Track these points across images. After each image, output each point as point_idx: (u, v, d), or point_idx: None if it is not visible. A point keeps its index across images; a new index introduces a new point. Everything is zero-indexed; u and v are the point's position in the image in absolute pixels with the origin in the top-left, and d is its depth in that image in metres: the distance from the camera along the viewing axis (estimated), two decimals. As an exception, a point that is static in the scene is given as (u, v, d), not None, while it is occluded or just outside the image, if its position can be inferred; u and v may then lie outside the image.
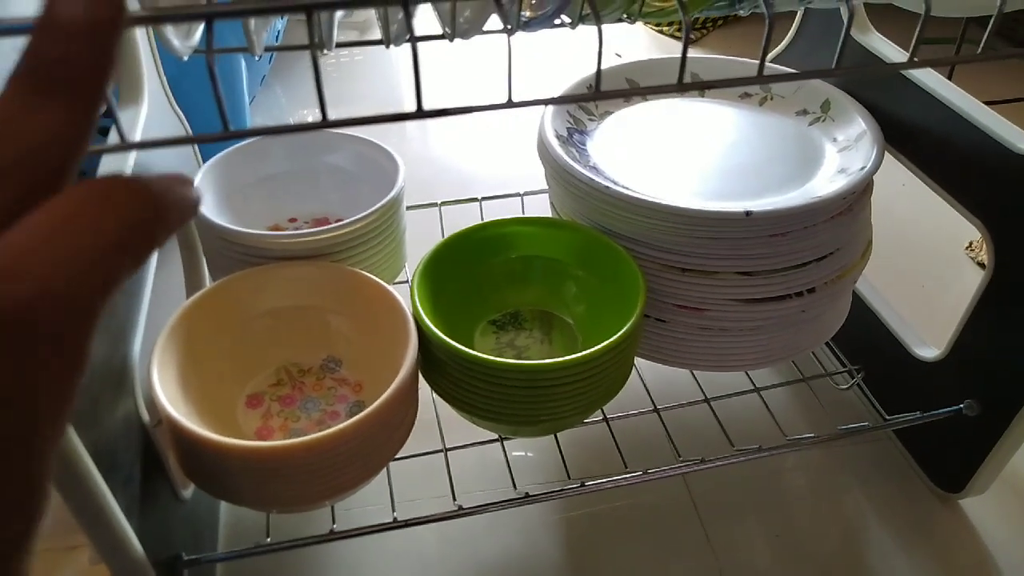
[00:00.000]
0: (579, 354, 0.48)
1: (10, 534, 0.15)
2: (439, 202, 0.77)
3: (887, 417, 0.60)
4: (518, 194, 0.78)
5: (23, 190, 0.16)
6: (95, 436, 0.36)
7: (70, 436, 0.33)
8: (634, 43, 1.47)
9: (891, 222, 0.73)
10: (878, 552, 0.59)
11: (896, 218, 0.93)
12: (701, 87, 0.32)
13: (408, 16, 0.27)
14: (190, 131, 0.67)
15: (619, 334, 0.49)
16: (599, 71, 0.31)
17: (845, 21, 0.35)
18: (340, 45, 0.37)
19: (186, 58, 0.38)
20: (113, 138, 0.49)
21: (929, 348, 0.62)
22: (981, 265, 0.85)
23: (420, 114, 0.28)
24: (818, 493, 0.64)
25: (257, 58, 1.07)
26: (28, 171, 0.16)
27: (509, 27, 0.41)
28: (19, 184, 0.16)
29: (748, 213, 0.51)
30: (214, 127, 0.29)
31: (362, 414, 0.44)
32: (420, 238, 0.64)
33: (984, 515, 0.62)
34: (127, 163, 0.47)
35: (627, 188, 0.55)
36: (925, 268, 0.87)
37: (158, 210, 0.17)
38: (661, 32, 1.50)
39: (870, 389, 0.68)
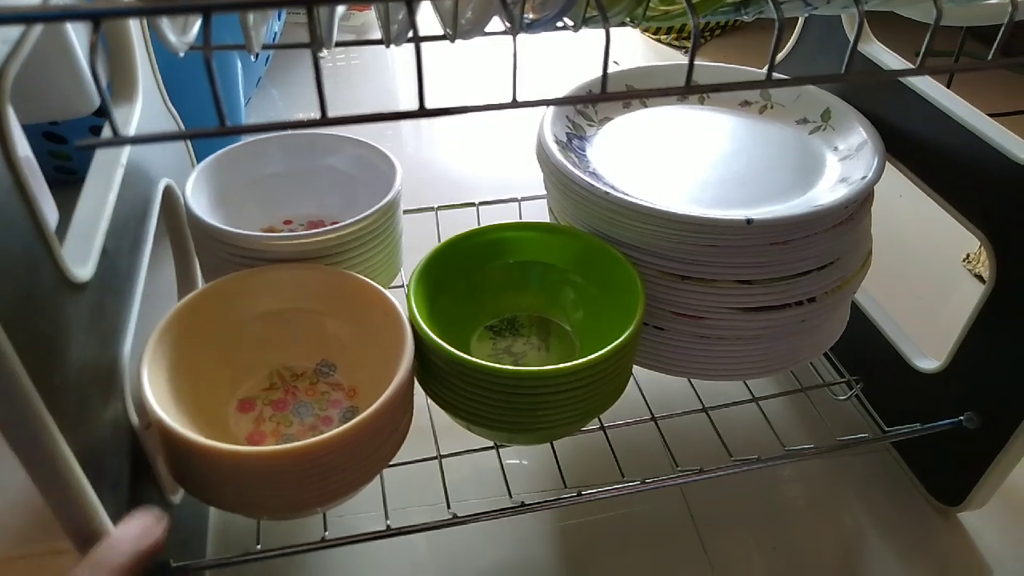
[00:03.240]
0: (577, 361, 0.47)
1: None
2: (436, 206, 0.76)
3: (886, 429, 0.60)
4: (515, 199, 0.77)
5: None
6: (82, 439, 0.35)
7: (56, 439, 0.32)
8: (630, 50, 1.47)
9: (889, 233, 0.73)
10: (876, 565, 0.59)
11: (894, 229, 0.93)
12: (711, 89, 0.31)
13: (411, 14, 0.27)
14: (183, 126, 0.66)
15: (618, 342, 0.48)
16: (605, 73, 0.30)
17: (855, 27, 0.34)
18: (339, 44, 0.37)
19: (182, 54, 0.38)
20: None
21: (928, 360, 0.62)
22: (979, 277, 0.85)
23: (422, 112, 0.27)
24: (815, 505, 0.63)
25: (254, 58, 1.06)
26: None
27: (512, 29, 0.41)
28: None
29: (749, 221, 0.51)
30: (208, 127, 0.28)
31: (356, 420, 0.43)
32: (416, 243, 0.63)
33: (983, 528, 0.61)
34: (120, 159, 0.46)
35: (627, 194, 0.54)
36: (922, 279, 0.87)
37: None
38: (659, 40, 1.50)
39: (869, 400, 0.68)
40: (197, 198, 0.57)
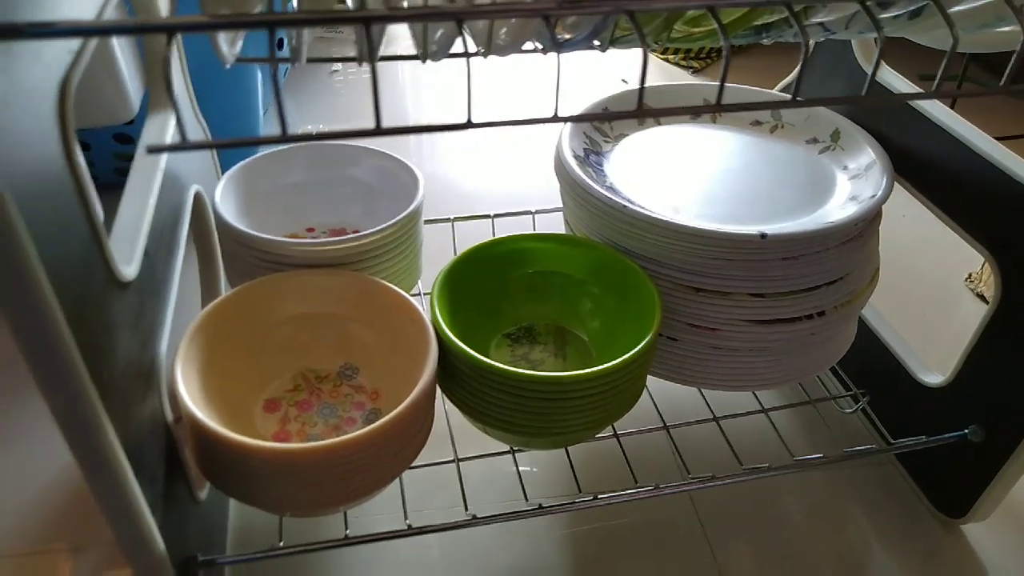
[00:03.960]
0: (596, 368, 0.48)
1: None
2: (452, 218, 0.78)
3: (892, 441, 0.61)
4: (530, 212, 0.79)
5: None
6: (126, 433, 0.37)
7: (107, 431, 0.34)
8: (638, 70, 1.49)
9: (892, 252, 0.75)
10: (879, 574, 0.60)
11: (897, 248, 0.94)
12: (742, 108, 0.33)
13: (461, 33, 0.28)
14: (210, 134, 0.68)
15: (635, 351, 0.50)
16: (642, 87, 0.32)
17: (874, 55, 0.36)
18: (382, 59, 0.38)
19: (229, 65, 0.39)
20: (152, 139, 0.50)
21: (933, 374, 0.64)
22: (980, 297, 0.87)
23: (469, 125, 0.29)
24: (821, 516, 0.64)
25: (285, 73, 1.07)
26: None
27: (545, 48, 0.43)
28: None
29: (763, 235, 0.53)
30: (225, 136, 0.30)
31: (384, 419, 0.45)
32: (432, 253, 0.65)
33: (986, 541, 0.62)
34: (160, 165, 0.48)
35: (644, 208, 0.56)
36: (925, 298, 0.89)
37: None
38: (666, 60, 1.53)
39: (874, 414, 0.69)
40: (225, 204, 0.59)
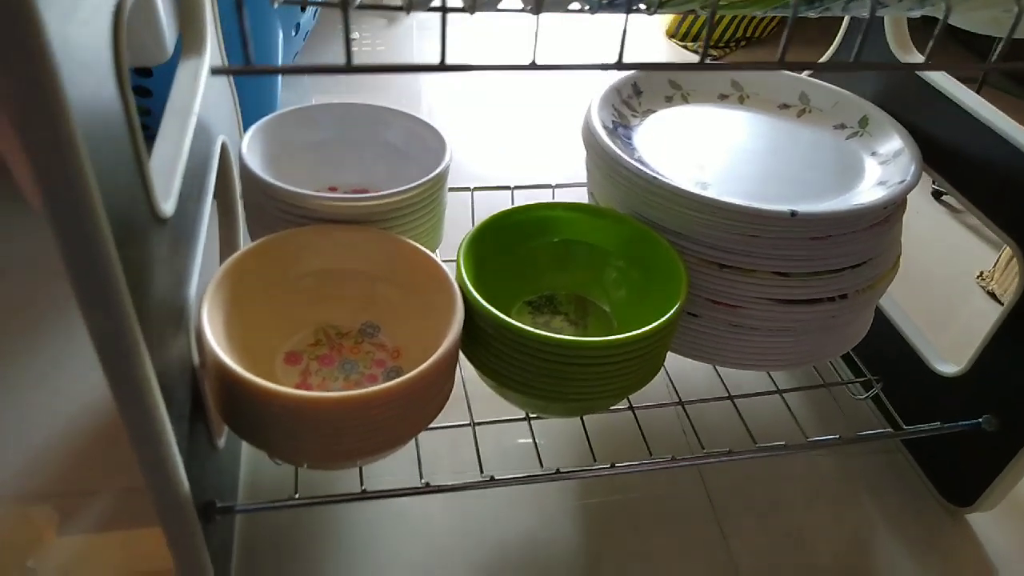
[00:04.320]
0: (624, 335, 0.48)
1: None
2: (471, 187, 0.78)
3: (906, 426, 0.62)
4: (549, 185, 0.79)
5: None
6: (160, 367, 0.37)
7: (144, 359, 0.34)
8: (655, 55, 1.49)
9: (906, 248, 0.75)
10: (885, 559, 0.61)
11: (910, 244, 0.94)
12: (804, 67, 0.33)
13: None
14: (235, 89, 0.68)
15: (662, 320, 0.50)
16: (707, 45, 0.32)
17: (942, 16, 0.36)
18: (361, 7, 0.38)
19: (276, 5, 0.39)
20: (180, 89, 0.50)
21: (948, 364, 0.64)
22: (991, 295, 0.87)
23: (442, 67, 0.29)
24: (829, 499, 0.65)
25: (294, 32, 1.06)
26: None
27: (590, 8, 0.42)
28: None
29: (794, 213, 0.53)
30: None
31: (411, 374, 0.45)
32: (450, 222, 0.65)
33: (990, 530, 0.63)
34: (194, 108, 0.47)
35: (673, 181, 0.56)
36: (936, 293, 0.89)
37: None
38: (685, 47, 1.52)
39: (887, 401, 0.69)
40: (252, 156, 0.58)
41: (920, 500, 0.65)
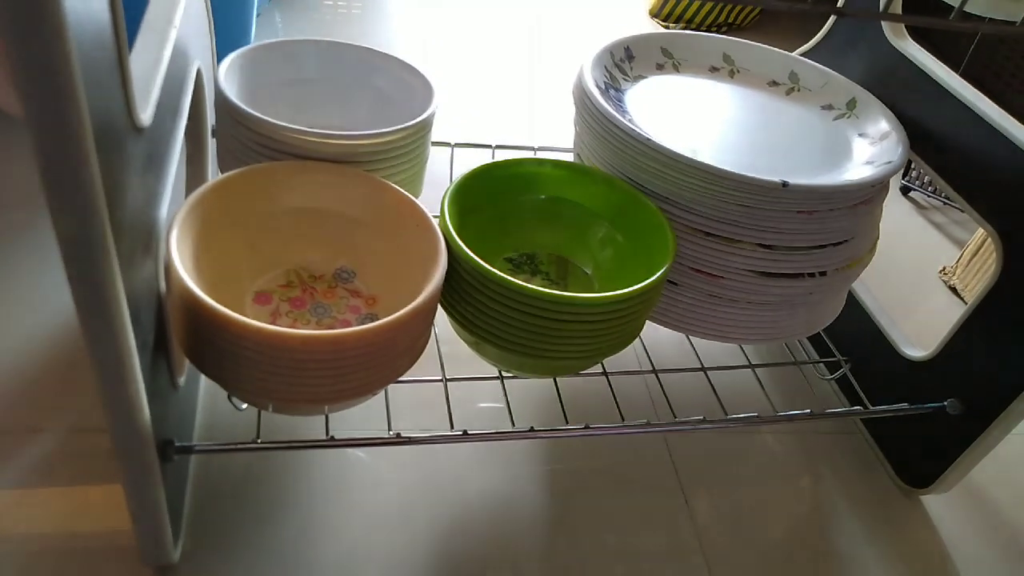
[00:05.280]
0: (605, 294, 0.47)
1: None
2: (452, 143, 0.76)
3: (872, 407, 0.62)
4: (531, 148, 0.77)
5: None
6: (128, 285, 0.34)
7: (113, 268, 0.31)
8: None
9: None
10: (842, 537, 0.61)
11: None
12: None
13: None
14: (211, 15, 0.64)
15: (648, 282, 0.49)
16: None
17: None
18: None
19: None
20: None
21: (916, 348, 0.65)
22: (952, 289, 0.89)
23: None
24: (791, 477, 0.65)
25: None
26: None
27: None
28: None
29: (785, 184, 0.52)
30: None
31: (390, 318, 0.43)
32: (429, 175, 0.63)
33: (943, 512, 0.64)
34: (174, 21, 0.44)
35: (667, 144, 0.55)
36: (900, 285, 0.91)
37: None
38: (667, 29, 1.51)
39: (855, 381, 0.70)
40: (229, 85, 0.55)
41: (878, 481, 0.66)
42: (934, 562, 0.61)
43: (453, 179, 0.55)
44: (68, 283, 0.31)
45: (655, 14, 1.46)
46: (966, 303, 0.84)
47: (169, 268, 0.43)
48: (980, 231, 0.89)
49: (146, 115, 0.37)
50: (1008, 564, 0.62)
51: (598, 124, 0.58)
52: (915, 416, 0.62)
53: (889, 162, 0.58)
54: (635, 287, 0.48)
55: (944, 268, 0.91)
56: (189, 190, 0.64)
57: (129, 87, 0.33)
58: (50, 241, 0.72)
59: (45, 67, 0.25)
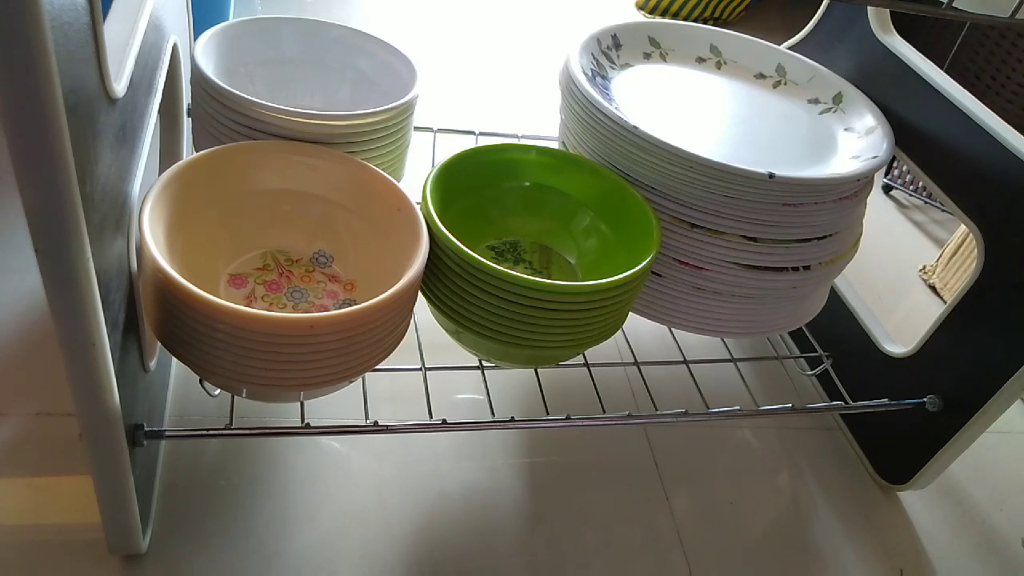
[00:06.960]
0: (594, 282, 0.47)
1: None
2: (435, 128, 0.75)
3: (853, 402, 0.62)
4: (516, 135, 0.76)
5: None
6: (98, 261, 0.33)
7: (83, 239, 0.30)
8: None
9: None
10: (820, 531, 0.61)
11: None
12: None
13: None
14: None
15: (633, 271, 0.48)
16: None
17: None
18: None
19: None
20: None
21: (896, 345, 0.65)
22: (932, 288, 0.89)
23: None
24: (771, 471, 0.65)
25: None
26: None
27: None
28: None
29: (771, 175, 0.52)
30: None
31: (371, 302, 0.42)
32: (410, 161, 0.62)
33: (919, 508, 0.65)
34: (144, 11, 0.43)
35: (655, 133, 0.54)
36: (879, 283, 0.91)
37: None
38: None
39: (836, 377, 0.70)
40: (206, 62, 0.54)
41: (856, 477, 0.66)
42: (910, 558, 0.61)
43: (435, 165, 0.54)
44: (35, 257, 0.29)
45: (641, 6, 1.46)
46: (945, 302, 0.84)
47: (141, 246, 0.41)
48: (960, 230, 0.90)
49: (120, 86, 0.35)
50: (982, 560, 0.63)
51: (584, 111, 0.57)
52: (894, 412, 0.62)
53: (875, 157, 0.57)
54: (619, 276, 0.48)
55: (924, 267, 0.92)
56: (163, 170, 0.63)
57: (103, 55, 0.32)
58: (16, 217, 0.70)
59: (16, 31, 0.24)
